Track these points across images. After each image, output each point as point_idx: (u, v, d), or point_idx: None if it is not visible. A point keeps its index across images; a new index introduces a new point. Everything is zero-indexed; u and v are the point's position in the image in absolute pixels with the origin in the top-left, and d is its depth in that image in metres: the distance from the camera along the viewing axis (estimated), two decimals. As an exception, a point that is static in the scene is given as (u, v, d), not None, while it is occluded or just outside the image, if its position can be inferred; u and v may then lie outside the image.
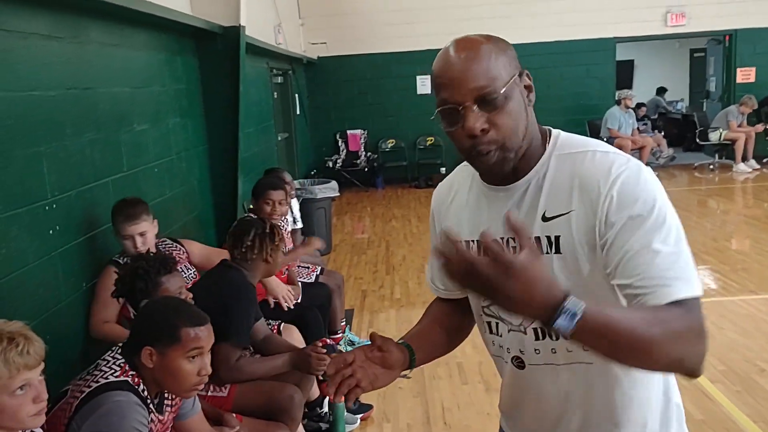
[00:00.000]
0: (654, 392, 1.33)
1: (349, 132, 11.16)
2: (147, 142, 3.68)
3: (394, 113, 11.05)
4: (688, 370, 1.09)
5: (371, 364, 1.28)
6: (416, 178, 10.94)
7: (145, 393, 1.84)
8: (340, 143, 11.18)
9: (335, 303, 4.08)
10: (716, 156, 10.82)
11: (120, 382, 1.80)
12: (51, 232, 2.60)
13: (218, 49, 4.70)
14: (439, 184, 1.47)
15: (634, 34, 10.98)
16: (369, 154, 11.16)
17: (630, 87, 13.73)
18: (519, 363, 1.35)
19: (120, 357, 1.87)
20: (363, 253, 6.96)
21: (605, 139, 9.74)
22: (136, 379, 1.83)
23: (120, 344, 1.92)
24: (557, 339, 1.25)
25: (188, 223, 4.27)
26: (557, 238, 1.21)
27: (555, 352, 1.29)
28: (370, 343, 1.33)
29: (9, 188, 2.34)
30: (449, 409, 3.53)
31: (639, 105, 13.06)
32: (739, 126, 10.41)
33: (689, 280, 1.11)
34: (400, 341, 1.37)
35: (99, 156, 3.06)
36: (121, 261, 2.79)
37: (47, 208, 2.59)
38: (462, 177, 1.38)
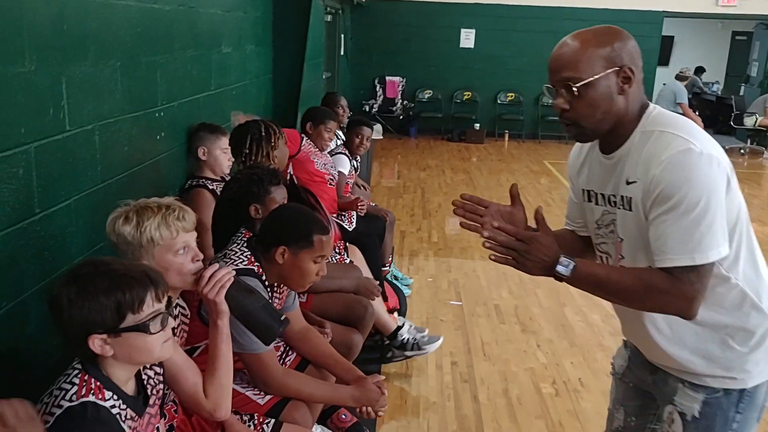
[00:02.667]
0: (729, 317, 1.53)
1: (387, 78, 11.26)
2: (230, 64, 3.87)
3: (434, 64, 11.10)
4: (675, 315, 1.45)
5: (498, 217, 1.64)
6: (450, 131, 11.06)
7: (266, 283, 2.09)
8: (378, 88, 11.29)
9: (387, 237, 4.33)
10: (748, 141, 10.89)
11: (248, 269, 2.05)
12: (158, 137, 2.83)
13: (293, -21, 4.83)
14: (571, 151, 1.77)
15: (683, 10, 10.91)
16: (405, 102, 11.27)
17: (667, 64, 13.66)
18: None
19: (246, 249, 2.11)
20: (399, 197, 7.18)
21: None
22: (260, 270, 2.08)
23: (246, 239, 2.17)
24: None
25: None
26: (630, 198, 1.50)
27: None
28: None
29: (134, 91, 2.55)
30: (488, 344, 3.81)
31: (678, 82, 12.99)
32: (776, 114, 10.47)
33: (689, 252, 1.38)
34: None
35: (196, 72, 3.26)
36: (208, 185, 2.97)
37: (157, 114, 2.80)
38: (589, 144, 1.67)
